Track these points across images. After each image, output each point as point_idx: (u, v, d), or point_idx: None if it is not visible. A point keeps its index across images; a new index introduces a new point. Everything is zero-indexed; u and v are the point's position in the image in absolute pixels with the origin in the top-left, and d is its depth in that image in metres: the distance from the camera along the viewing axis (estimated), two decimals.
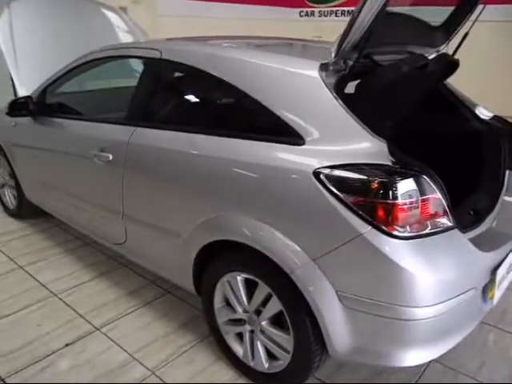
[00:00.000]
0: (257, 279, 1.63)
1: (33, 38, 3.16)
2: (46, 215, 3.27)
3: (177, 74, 2.04)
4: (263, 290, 1.63)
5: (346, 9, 8.78)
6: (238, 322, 1.78)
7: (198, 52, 1.90)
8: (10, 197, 3.32)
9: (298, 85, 1.56)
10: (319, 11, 9.22)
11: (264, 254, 1.54)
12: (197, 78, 1.91)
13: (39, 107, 2.63)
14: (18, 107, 2.56)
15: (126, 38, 3.71)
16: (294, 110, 1.54)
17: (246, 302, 1.72)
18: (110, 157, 2.07)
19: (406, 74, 1.63)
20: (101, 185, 2.23)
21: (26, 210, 3.24)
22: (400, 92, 1.71)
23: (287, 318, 1.57)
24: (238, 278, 1.70)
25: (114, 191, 2.13)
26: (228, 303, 1.82)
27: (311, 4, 9.26)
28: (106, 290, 2.44)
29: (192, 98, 2.01)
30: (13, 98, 3.13)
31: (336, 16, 8.99)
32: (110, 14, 3.77)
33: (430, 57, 1.86)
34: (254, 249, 1.57)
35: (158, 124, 1.94)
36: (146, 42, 2.19)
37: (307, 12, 9.37)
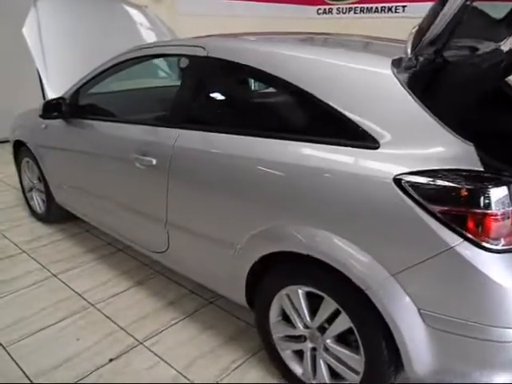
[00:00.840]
0: (322, 294, 1.51)
1: (60, 37, 3.07)
2: (75, 220, 3.19)
3: (227, 73, 1.92)
4: (330, 305, 1.50)
5: (365, 5, 8.64)
6: (298, 338, 1.66)
7: (252, 50, 1.77)
8: (38, 201, 3.24)
9: (370, 83, 1.43)
10: (337, 8, 9.07)
11: (332, 266, 1.42)
12: (251, 77, 1.79)
13: (72, 109, 2.53)
14: (52, 109, 2.47)
15: (152, 36, 3.61)
16: (366, 111, 1.41)
17: (307, 318, 1.60)
18: (154, 161, 1.96)
19: (485, 71, 1.50)
20: (142, 190, 2.12)
21: (55, 215, 3.15)
22: (477, 90, 1.58)
23: (358, 336, 1.45)
24: (300, 291, 1.58)
25: (156, 197, 2.02)
26: (286, 318, 1.70)
27: (330, 1, 9.11)
28: (144, 300, 2.33)
29: (247, 98, 1.88)
30: (42, 99, 3.08)
31: (355, 13, 8.84)
32: (136, 12, 3.67)
33: (504, 51, 1.72)
34: (320, 261, 1.45)
35: (208, 126, 1.82)
36: (188, 40, 2.06)
37: (325, 9, 9.23)
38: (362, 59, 1.54)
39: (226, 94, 1.96)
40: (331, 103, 1.45)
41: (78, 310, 2.24)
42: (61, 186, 2.85)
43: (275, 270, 1.66)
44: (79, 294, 2.37)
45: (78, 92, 2.56)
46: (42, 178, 3.04)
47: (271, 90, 1.75)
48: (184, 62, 2.03)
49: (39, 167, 2.99)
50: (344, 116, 1.42)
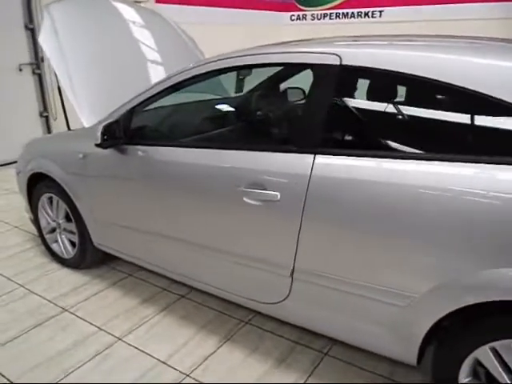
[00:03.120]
0: None
1: (82, 44, 2.59)
2: (108, 263, 2.73)
3: (376, 85, 1.59)
4: None
5: (340, 11, 8.58)
6: None
7: (411, 56, 1.46)
8: (65, 244, 2.70)
9: None
10: (312, 14, 8.97)
11: None
12: (415, 87, 1.47)
13: (128, 133, 2.09)
14: (112, 135, 2.01)
15: (176, 44, 3.21)
16: None
17: None
18: (278, 195, 1.59)
19: None
20: (252, 231, 1.73)
21: (90, 259, 2.65)
22: None
23: None
24: None
25: (279, 240, 1.65)
26: (475, 376, 1.40)
27: (303, 7, 8.99)
28: (248, 359, 1.93)
29: (416, 113, 1.55)
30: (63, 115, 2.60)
31: (330, 19, 8.76)
32: (154, 17, 3.24)
33: None
34: None
35: (362, 151, 1.48)
36: (305, 46, 1.71)
37: (299, 16, 9.11)
38: None
39: (384, 109, 1.62)
40: None
41: None
42: (106, 226, 2.37)
43: (477, 323, 1.35)
44: (164, 363, 1.92)
45: (131, 113, 2.12)
46: (73, 217, 2.53)
47: (451, 102, 1.45)
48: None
49: (70, 204, 2.48)
50: None
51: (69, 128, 2.71)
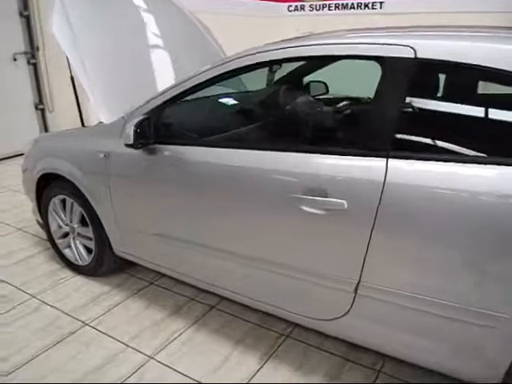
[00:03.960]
0: None
1: (97, 35, 2.36)
2: (126, 270, 2.56)
3: (455, 80, 1.43)
4: None
5: (340, 2, 8.40)
6: None
7: (493, 48, 1.31)
8: (79, 249, 2.49)
9: None
10: (310, 5, 8.77)
11: None
12: (500, 83, 1.31)
13: (159, 132, 1.90)
14: (142, 134, 1.80)
15: (191, 33, 2.99)
16: None
17: None
18: (345, 204, 1.42)
19: None
20: (311, 242, 1.55)
21: (108, 267, 2.45)
22: None
23: None
24: None
25: (345, 252, 1.48)
26: None
27: None
28: (292, 378, 1.77)
29: (505, 113, 1.39)
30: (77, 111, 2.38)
31: (329, 10, 8.58)
32: (168, 5, 3.01)
33: None
34: None
35: (443, 154, 1.32)
36: (374, 37, 1.53)
37: (297, 6, 8.89)
38: None
39: (465, 108, 1.45)
40: None
41: None
42: (130, 232, 2.17)
43: None
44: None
45: (161, 108, 1.92)
46: (90, 222, 2.32)
47: None
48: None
49: (87, 208, 2.28)
50: None
51: (83, 123, 2.49)
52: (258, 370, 1.82)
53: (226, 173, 1.71)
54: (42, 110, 5.04)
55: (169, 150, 1.88)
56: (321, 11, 8.85)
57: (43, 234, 2.91)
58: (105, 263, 2.41)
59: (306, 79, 2.44)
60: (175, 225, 1.96)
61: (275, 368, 1.84)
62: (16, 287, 2.43)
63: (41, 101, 4.98)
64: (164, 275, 2.47)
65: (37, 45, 4.71)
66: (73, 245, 2.51)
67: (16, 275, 2.55)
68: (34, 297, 2.34)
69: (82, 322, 2.14)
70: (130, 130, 1.78)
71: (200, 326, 2.09)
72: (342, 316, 1.59)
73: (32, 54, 4.77)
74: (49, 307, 2.25)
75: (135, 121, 1.80)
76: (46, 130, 5.11)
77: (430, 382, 1.70)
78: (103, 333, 2.06)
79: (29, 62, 4.78)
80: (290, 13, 9.08)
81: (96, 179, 2.17)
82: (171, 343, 1.99)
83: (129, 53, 2.46)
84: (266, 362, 1.87)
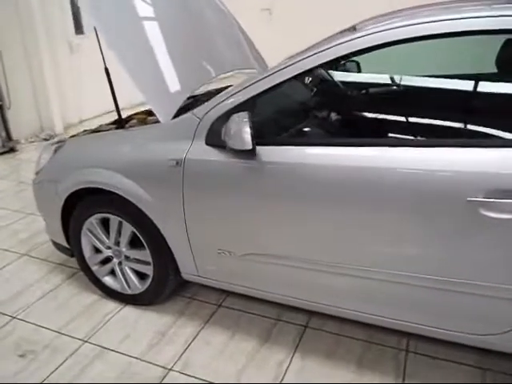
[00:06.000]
0: None
1: (137, 20, 1.92)
2: (178, 293, 2.18)
3: None
4: None
5: None
6: None
7: None
8: (128, 276, 2.07)
9: None
10: None
11: None
12: None
13: (262, 131, 1.55)
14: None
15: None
16: None
17: None
18: None
19: None
20: (495, 251, 1.32)
21: (168, 293, 2.06)
22: None
23: None
24: None
25: None
26: None
27: None
28: None
29: None
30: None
31: None
32: None
33: None
34: None
35: None
36: None
37: None
38: None
39: None
40: None
41: None
42: (209, 253, 1.80)
43: None
44: None
45: (252, 102, 1.56)
46: (147, 243, 1.91)
47: None
48: None
49: (143, 226, 1.87)
50: None
51: (121, 121, 2.03)
52: None
53: (371, 177, 1.40)
54: (1, 107, 4.33)
55: (275, 152, 1.53)
56: None
57: (58, 258, 2.47)
58: (166, 290, 2.02)
59: None
60: (287, 243, 1.63)
61: None
62: (56, 331, 1.97)
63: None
64: (229, 295, 2.14)
65: None
66: (118, 271, 2.08)
67: (47, 315, 2.08)
68: (85, 341, 1.91)
69: (164, 367, 1.76)
70: (244, 132, 1.41)
71: (306, 352, 1.80)
72: None
73: None
74: (112, 352, 1.84)
75: (243, 119, 1.43)
76: (6, 127, 4.44)
77: None
78: (197, 377, 1.70)
79: None
80: None
81: (162, 192, 1.77)
82: (285, 377, 1.69)
83: (171, 38, 2.03)
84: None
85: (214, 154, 1.63)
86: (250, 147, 1.42)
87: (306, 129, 1.64)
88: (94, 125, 2.58)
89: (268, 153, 1.54)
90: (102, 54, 1.85)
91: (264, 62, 2.57)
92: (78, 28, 5.46)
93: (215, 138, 1.62)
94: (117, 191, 1.83)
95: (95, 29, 1.79)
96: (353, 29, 1.56)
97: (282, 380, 1.67)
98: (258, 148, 1.52)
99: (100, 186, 1.87)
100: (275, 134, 1.63)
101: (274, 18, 7.75)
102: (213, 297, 2.16)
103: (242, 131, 1.42)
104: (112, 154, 1.89)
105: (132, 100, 4.62)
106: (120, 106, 1.98)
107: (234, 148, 1.47)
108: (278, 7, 7.60)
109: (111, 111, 5.69)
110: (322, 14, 7.26)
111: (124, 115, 2.16)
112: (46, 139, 4.91)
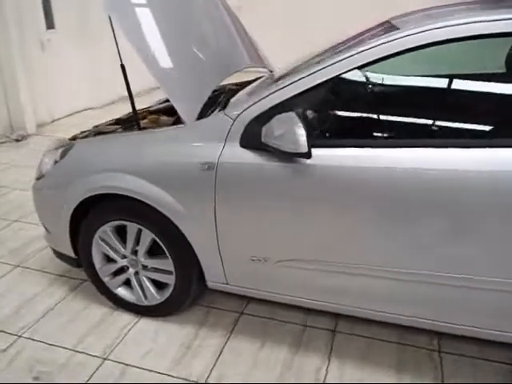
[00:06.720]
0: None
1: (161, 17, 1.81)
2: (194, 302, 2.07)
3: None
4: None
5: None
6: None
7: None
8: (146, 286, 1.94)
9: None
10: None
11: None
12: None
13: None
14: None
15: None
16: None
17: None
18: None
19: None
20: None
21: (189, 303, 1.95)
22: None
23: None
24: None
25: None
26: None
27: None
28: None
29: None
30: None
31: None
32: None
33: None
34: None
35: None
36: None
37: None
38: None
39: None
40: None
41: None
42: (240, 261, 1.71)
43: None
44: None
45: (293, 102, 1.49)
46: (169, 251, 1.79)
47: None
48: None
49: (166, 234, 1.76)
50: None
51: (138, 123, 1.90)
52: None
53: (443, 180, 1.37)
54: None
55: (333, 155, 1.47)
56: None
57: (56, 268, 2.31)
58: (188, 300, 1.91)
59: None
60: (332, 249, 1.56)
61: None
62: (70, 349, 1.82)
63: None
64: (250, 301, 2.06)
65: None
66: (134, 281, 1.95)
67: (57, 332, 1.92)
68: (105, 359, 1.77)
69: (196, 382, 1.66)
70: (299, 135, 1.33)
71: (340, 357, 1.76)
72: None
73: None
74: (136, 369, 1.72)
75: (294, 120, 1.36)
76: None
77: None
78: None
79: None
80: None
81: (191, 197, 1.67)
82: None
83: (194, 35, 1.93)
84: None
85: (250, 157, 1.55)
86: (306, 150, 1.35)
87: (364, 130, 1.57)
88: (66, 124, 2.41)
89: (321, 155, 1.47)
90: (117, 49, 1.72)
91: (266, 59, 2.51)
92: (49, 22, 5.15)
93: (251, 139, 1.54)
94: (140, 197, 1.71)
95: (110, 21, 1.67)
96: (394, 27, 1.53)
97: None
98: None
99: (121, 192, 1.74)
100: (325, 136, 1.56)
101: (245, 15, 7.71)
102: (231, 304, 2.08)
103: (295, 133, 1.35)
104: (134, 157, 1.76)
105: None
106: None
107: (284, 151, 1.39)
108: (249, 5, 7.55)
109: (84, 110, 5.48)
110: (292, 12, 7.32)
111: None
112: (17, 140, 4.60)
